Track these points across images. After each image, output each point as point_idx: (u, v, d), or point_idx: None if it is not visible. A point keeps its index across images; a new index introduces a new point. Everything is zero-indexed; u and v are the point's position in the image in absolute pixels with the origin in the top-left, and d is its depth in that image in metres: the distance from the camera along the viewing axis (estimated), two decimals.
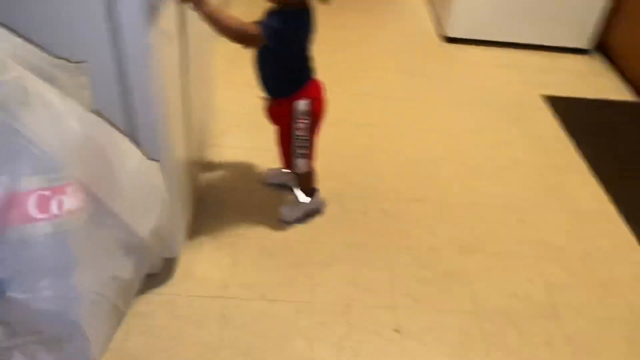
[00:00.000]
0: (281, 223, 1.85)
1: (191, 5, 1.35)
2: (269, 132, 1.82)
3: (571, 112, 2.61)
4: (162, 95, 1.22)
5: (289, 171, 1.86)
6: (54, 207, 0.68)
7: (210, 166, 2.06)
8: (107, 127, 0.88)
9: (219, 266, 1.68)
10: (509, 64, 3.02)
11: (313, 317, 1.56)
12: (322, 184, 1.91)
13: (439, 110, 2.57)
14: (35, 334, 0.77)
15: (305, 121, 1.65)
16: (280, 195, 1.95)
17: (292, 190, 1.91)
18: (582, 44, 3.13)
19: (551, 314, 1.65)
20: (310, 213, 1.89)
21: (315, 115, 1.67)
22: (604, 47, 3.15)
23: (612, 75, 3.01)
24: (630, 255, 1.89)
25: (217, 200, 1.92)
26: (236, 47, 1.47)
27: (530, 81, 2.87)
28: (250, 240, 1.78)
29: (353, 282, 1.68)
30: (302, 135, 1.68)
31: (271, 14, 1.47)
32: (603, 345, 1.57)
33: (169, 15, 1.28)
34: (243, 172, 2.06)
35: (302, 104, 1.62)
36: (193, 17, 1.39)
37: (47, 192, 0.67)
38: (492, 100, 2.68)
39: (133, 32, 1.08)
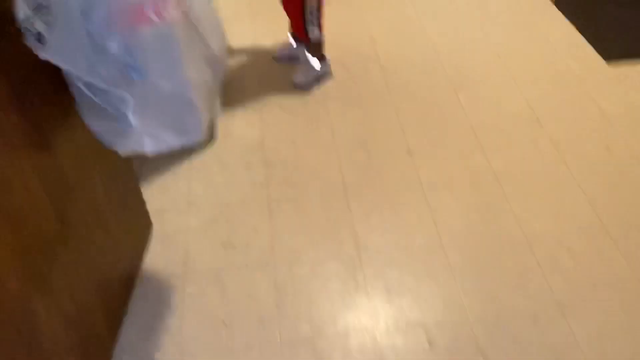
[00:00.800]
0: (297, 88, 2.13)
1: None
2: (270, 19, 2.05)
3: None
4: None
5: (301, 41, 2.12)
6: (165, 13, 0.95)
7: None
8: None
9: (252, 126, 1.98)
10: None
11: (337, 151, 1.88)
12: (328, 52, 2.17)
13: None
14: (161, 117, 1.06)
15: None
16: (292, 67, 2.21)
17: (303, 60, 2.17)
18: None
19: (536, 123, 1.98)
20: (321, 77, 2.17)
21: None
22: None
23: None
24: (598, 71, 2.21)
25: (238, 79, 2.19)
26: None
27: None
28: (274, 105, 2.07)
29: (364, 124, 1.99)
30: (314, 5, 1.93)
31: None
32: (581, 143, 1.91)
33: None
34: (255, 52, 2.31)
35: None
36: None
37: (159, 2, 0.94)
38: None
39: None
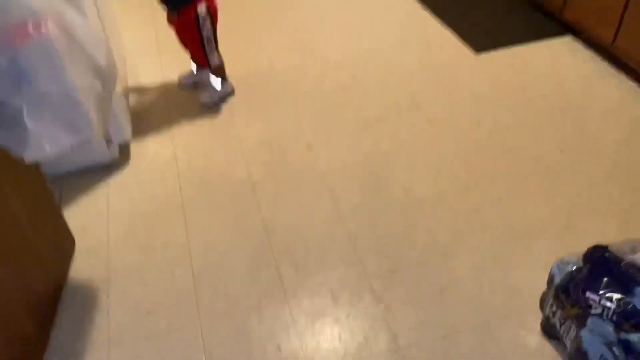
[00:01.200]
0: (205, 108, 2.32)
1: None
2: (174, 53, 2.27)
3: None
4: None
5: (203, 68, 2.33)
6: (43, 29, 1.13)
7: (134, 88, 2.49)
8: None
9: (164, 145, 2.15)
10: None
11: (244, 155, 2.07)
12: (231, 68, 2.38)
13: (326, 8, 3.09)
14: (53, 119, 1.22)
15: (208, 20, 2.13)
16: (197, 92, 2.41)
17: (207, 83, 2.38)
18: None
19: (416, 109, 2.24)
20: (226, 95, 2.38)
21: (213, 14, 2.15)
22: None
23: None
24: (468, 60, 2.52)
25: (148, 107, 2.36)
26: None
27: None
28: (183, 125, 2.25)
29: (268, 129, 2.20)
30: (208, 33, 2.15)
31: None
32: (455, 120, 2.18)
33: None
34: (163, 84, 2.50)
35: (203, 7, 2.09)
36: None
37: (37, 21, 1.12)
38: None
39: None
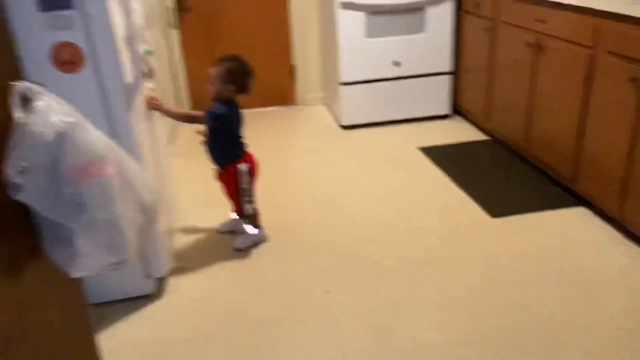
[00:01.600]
0: (237, 252, 2.57)
1: (153, 107, 2.23)
2: (221, 203, 2.62)
3: (439, 153, 3.56)
4: (139, 154, 2.04)
5: (238, 217, 2.64)
6: (104, 171, 1.44)
7: (180, 231, 2.79)
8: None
9: (196, 283, 2.37)
10: (391, 134, 4.00)
11: (264, 295, 2.25)
12: (266, 217, 2.67)
13: (341, 167, 3.44)
14: (97, 240, 1.47)
15: (247, 178, 2.49)
16: (232, 237, 2.69)
17: (242, 230, 2.66)
18: (444, 110, 4.19)
19: (430, 263, 2.40)
20: (258, 242, 2.63)
21: (252, 173, 2.52)
22: (458, 110, 4.22)
23: (469, 126, 4.04)
24: (484, 224, 2.70)
25: (188, 248, 2.64)
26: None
27: (409, 141, 3.82)
28: (216, 266, 2.49)
29: (290, 273, 2.39)
30: (246, 188, 2.50)
31: (213, 104, 2.38)
32: (464, 275, 2.32)
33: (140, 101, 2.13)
34: (206, 229, 2.80)
35: (244, 167, 2.48)
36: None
37: (100, 164, 1.44)
38: (380, 155, 3.60)
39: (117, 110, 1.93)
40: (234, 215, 2.74)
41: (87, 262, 1.47)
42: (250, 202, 2.55)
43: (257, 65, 5.02)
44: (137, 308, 2.22)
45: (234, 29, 4.49)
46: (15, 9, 1.78)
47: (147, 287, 2.27)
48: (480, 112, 3.79)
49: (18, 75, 1.52)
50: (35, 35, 1.82)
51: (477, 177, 3.21)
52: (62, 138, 1.41)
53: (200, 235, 2.76)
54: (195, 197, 3.13)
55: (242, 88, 2.41)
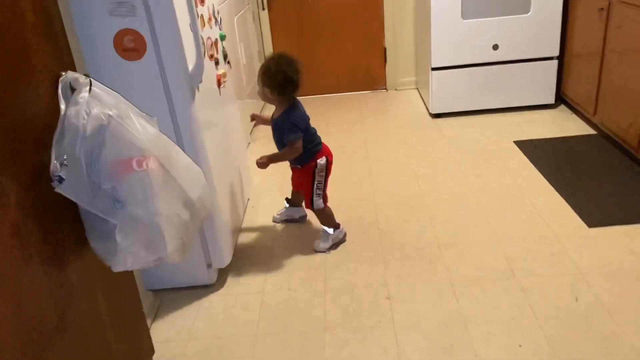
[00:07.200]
0: (316, 253, 2.46)
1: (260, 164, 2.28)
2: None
3: (537, 148, 3.21)
4: (200, 143, 1.98)
5: (298, 207, 2.65)
6: (144, 165, 1.39)
7: (249, 223, 2.75)
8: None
9: (257, 275, 2.31)
10: (485, 124, 3.69)
11: (325, 296, 2.13)
12: (340, 213, 2.54)
13: (426, 160, 3.22)
14: (137, 237, 1.43)
15: (323, 172, 2.40)
16: (295, 228, 2.62)
17: (321, 232, 2.52)
18: (547, 99, 3.79)
19: (510, 275, 2.15)
20: (338, 242, 2.51)
21: (328, 168, 2.43)
22: (564, 99, 3.79)
23: (574, 118, 3.62)
24: (577, 234, 2.38)
25: (253, 241, 2.59)
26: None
27: (504, 133, 3.50)
28: (278, 260, 2.41)
29: (355, 274, 2.26)
30: (320, 182, 2.41)
31: (282, 115, 2.30)
32: (551, 292, 2.05)
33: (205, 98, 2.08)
34: (272, 223, 2.74)
35: (323, 161, 2.39)
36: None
37: (141, 158, 1.38)
38: (470, 148, 3.32)
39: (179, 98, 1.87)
40: (287, 203, 2.72)
41: (128, 258, 1.43)
42: (321, 196, 2.44)
43: (347, 47, 4.89)
44: (197, 297, 2.20)
45: (323, 10, 4.36)
46: None
47: (208, 277, 2.25)
48: (588, 103, 3.36)
49: (67, 65, 1.51)
50: (98, 23, 1.81)
51: (578, 179, 2.85)
52: (102, 131, 1.36)
53: (267, 227, 2.69)
54: (268, 187, 3.07)
55: (283, 88, 2.24)
